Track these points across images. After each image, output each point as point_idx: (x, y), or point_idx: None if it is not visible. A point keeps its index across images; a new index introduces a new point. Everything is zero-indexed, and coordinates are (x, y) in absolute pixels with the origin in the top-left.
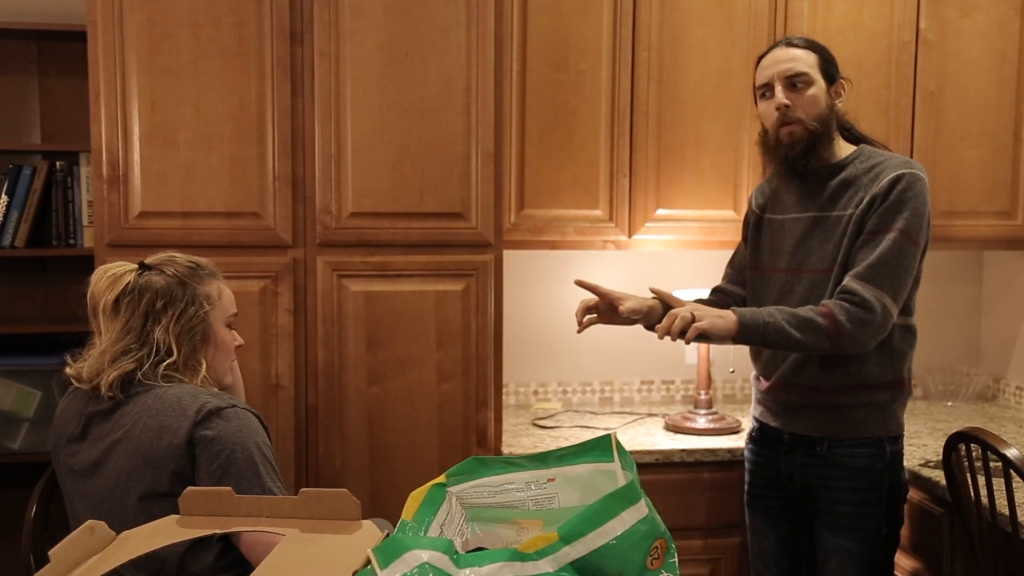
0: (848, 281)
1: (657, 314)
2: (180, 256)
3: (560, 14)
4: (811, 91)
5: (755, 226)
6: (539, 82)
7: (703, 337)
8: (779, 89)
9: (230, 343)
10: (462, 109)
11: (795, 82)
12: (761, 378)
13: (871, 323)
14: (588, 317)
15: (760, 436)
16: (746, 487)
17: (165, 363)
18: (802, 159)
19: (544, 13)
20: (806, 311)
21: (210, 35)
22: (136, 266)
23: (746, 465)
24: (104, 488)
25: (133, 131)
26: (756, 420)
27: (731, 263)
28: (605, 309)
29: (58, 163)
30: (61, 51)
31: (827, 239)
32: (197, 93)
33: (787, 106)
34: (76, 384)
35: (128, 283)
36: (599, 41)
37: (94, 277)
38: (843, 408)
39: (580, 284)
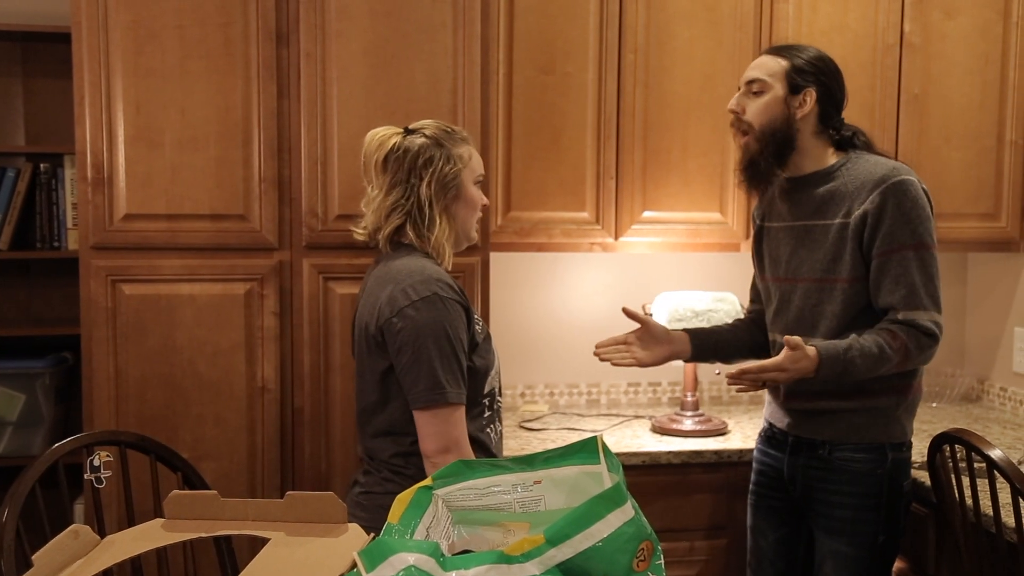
0: (903, 315)
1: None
2: (438, 122)
3: (547, 16)
4: (763, 99)
5: (757, 237)
6: (525, 84)
7: None
8: (738, 93)
9: (478, 200)
10: (448, 111)
11: (752, 88)
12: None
13: (936, 347)
14: (617, 352)
15: (768, 437)
16: (751, 486)
17: (424, 224)
18: (749, 172)
19: (531, 15)
20: (879, 345)
21: (195, 37)
22: (401, 130)
23: (754, 464)
24: (358, 352)
25: (118, 133)
26: (766, 421)
27: (753, 282)
28: (640, 335)
29: (42, 165)
30: (45, 53)
31: (817, 248)
32: (182, 95)
33: (733, 111)
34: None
35: (395, 144)
36: (585, 43)
37: (366, 140)
38: (846, 413)
39: (628, 313)
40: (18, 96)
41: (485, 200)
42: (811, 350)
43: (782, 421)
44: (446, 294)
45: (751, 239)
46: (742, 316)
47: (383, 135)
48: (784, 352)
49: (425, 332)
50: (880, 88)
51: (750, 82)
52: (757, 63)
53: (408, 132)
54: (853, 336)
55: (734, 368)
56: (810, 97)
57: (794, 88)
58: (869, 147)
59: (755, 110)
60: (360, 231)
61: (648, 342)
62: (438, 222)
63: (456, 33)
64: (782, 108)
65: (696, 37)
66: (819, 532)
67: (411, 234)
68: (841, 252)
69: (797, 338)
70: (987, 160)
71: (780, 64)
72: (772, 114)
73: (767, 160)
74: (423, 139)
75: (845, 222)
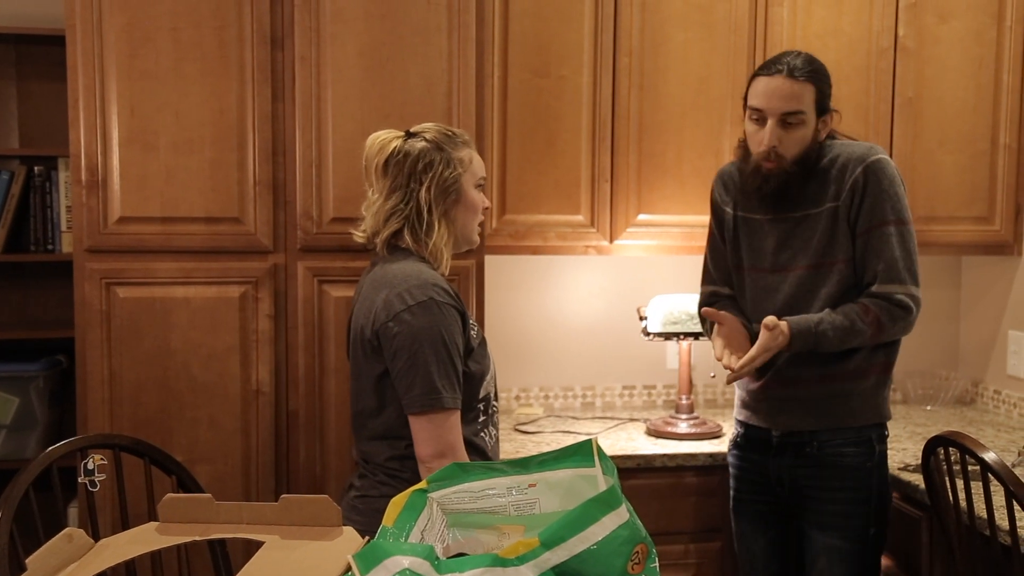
0: (877, 287)
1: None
2: (439, 125)
3: (542, 19)
4: (801, 131)
5: (732, 227)
6: (520, 87)
7: None
8: (771, 124)
9: (478, 204)
10: (443, 114)
11: (789, 120)
12: (750, 377)
13: (912, 319)
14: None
15: (745, 440)
16: (732, 492)
17: (422, 229)
18: (775, 197)
19: (526, 18)
20: (850, 318)
21: (190, 39)
22: (402, 133)
23: (731, 471)
24: (352, 354)
25: (112, 136)
26: (741, 424)
27: (715, 264)
28: (729, 333)
29: (36, 168)
30: (40, 55)
31: (810, 236)
32: (177, 98)
33: (775, 146)
34: (366, 247)
35: (395, 147)
36: (580, 46)
37: (367, 144)
38: (837, 397)
39: (708, 314)
40: (12, 98)
41: (486, 203)
42: (783, 324)
43: (764, 420)
44: (442, 299)
45: (718, 225)
46: (723, 302)
47: (384, 139)
48: (763, 334)
49: (421, 337)
50: (874, 92)
51: (788, 114)
52: (793, 93)
53: (409, 136)
54: (826, 310)
55: (726, 373)
56: (831, 118)
57: (821, 113)
58: (832, 133)
59: (793, 142)
60: (359, 234)
61: (739, 335)
62: (437, 227)
63: (451, 36)
64: (813, 135)
65: (691, 40)
66: (811, 529)
67: (408, 239)
68: (835, 233)
69: (771, 318)
70: (981, 163)
71: (811, 92)
72: (807, 144)
73: (797, 183)
74: (423, 143)
75: (835, 205)
